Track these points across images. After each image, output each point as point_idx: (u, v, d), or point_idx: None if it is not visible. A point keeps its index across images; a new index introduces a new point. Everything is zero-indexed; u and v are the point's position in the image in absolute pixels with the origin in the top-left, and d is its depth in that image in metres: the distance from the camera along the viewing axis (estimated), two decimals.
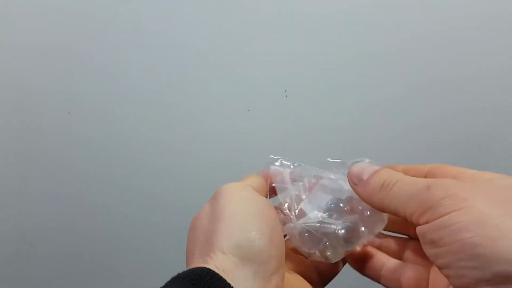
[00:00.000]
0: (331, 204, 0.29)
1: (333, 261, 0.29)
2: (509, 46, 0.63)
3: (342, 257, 0.29)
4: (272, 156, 0.33)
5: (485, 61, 0.63)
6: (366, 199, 0.26)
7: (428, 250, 0.22)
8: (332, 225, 0.28)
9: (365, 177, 0.26)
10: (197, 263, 0.24)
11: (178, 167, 0.70)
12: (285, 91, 0.66)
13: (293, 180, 0.31)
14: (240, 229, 0.24)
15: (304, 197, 0.30)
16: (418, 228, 0.22)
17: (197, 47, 0.65)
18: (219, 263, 0.23)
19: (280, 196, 0.30)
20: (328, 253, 0.28)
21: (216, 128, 0.68)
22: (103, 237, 0.74)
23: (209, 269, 0.22)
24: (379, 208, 0.25)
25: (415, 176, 0.25)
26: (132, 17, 0.64)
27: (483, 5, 0.61)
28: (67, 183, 0.72)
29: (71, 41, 0.65)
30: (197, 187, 0.71)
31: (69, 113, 0.69)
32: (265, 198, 0.27)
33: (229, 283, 0.22)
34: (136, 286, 0.77)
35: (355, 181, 0.27)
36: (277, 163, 0.32)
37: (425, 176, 0.27)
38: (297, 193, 0.30)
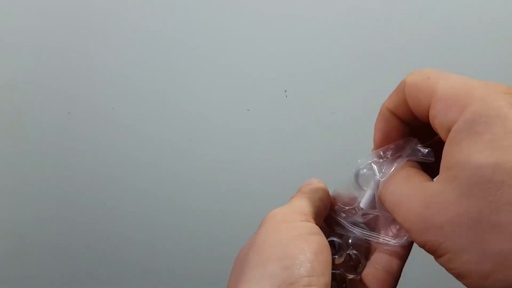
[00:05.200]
0: None
1: None
2: (509, 46, 0.63)
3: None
4: (360, 161, 0.29)
5: (485, 61, 0.63)
6: None
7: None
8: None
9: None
10: None
11: (178, 167, 0.70)
12: (285, 91, 0.66)
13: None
14: (274, 259, 0.23)
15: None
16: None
17: (197, 47, 0.65)
18: None
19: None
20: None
21: (216, 128, 0.68)
22: (103, 237, 0.74)
23: None
24: None
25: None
26: (132, 17, 0.64)
27: (482, 5, 0.61)
28: (67, 183, 0.72)
29: (71, 41, 0.65)
30: (197, 187, 0.71)
31: (69, 113, 0.69)
32: (311, 224, 0.26)
33: None
34: (136, 286, 0.77)
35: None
36: (365, 170, 0.29)
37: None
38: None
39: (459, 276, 0.20)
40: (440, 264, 0.21)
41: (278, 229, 0.24)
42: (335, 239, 0.29)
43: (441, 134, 0.21)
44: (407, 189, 0.23)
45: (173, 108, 0.67)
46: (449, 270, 0.21)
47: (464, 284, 0.20)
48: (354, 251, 0.30)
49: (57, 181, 0.72)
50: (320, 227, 0.29)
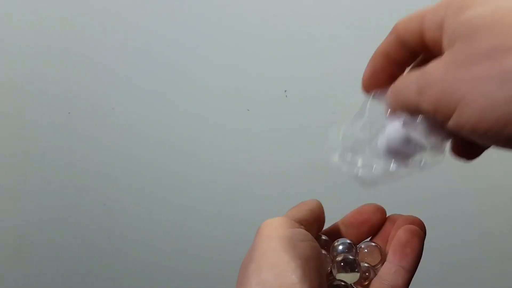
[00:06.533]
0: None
1: None
2: None
3: None
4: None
5: None
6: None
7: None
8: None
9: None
10: None
11: (178, 167, 0.70)
12: (285, 91, 0.66)
13: None
14: (267, 266, 0.23)
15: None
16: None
17: (197, 47, 0.65)
18: None
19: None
20: None
21: (216, 128, 0.68)
22: (103, 237, 0.74)
23: None
24: None
25: None
26: (132, 17, 0.64)
27: None
28: (67, 183, 0.72)
29: (71, 41, 0.65)
30: (197, 187, 0.71)
31: (69, 113, 0.69)
32: (302, 230, 0.26)
33: None
34: (136, 286, 0.77)
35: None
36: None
37: None
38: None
39: (473, 130, 0.19)
40: (455, 124, 0.19)
41: (271, 237, 0.25)
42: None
43: (435, 34, 0.21)
44: (413, 74, 0.22)
45: (173, 108, 0.67)
46: (463, 126, 0.19)
47: (480, 139, 0.19)
48: (366, 264, 0.30)
49: (57, 181, 0.72)
50: (319, 239, 0.29)
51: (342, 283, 0.28)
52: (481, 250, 0.73)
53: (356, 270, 0.28)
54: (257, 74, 0.65)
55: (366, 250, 0.31)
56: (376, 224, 0.32)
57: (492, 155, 0.71)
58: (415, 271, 0.29)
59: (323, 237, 0.30)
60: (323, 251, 0.29)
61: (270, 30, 0.64)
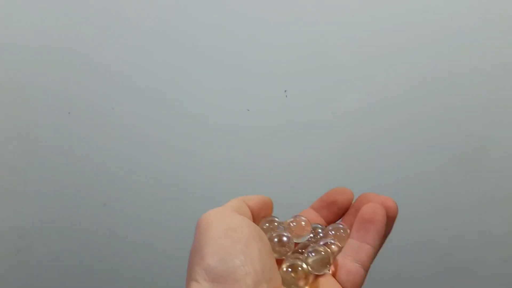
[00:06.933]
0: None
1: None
2: (508, 46, 0.63)
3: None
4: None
5: (485, 61, 0.63)
6: None
7: None
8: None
9: None
10: None
11: (178, 167, 0.70)
12: (285, 91, 0.66)
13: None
14: (210, 254, 0.24)
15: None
16: None
17: (197, 47, 0.65)
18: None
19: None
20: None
21: (216, 128, 0.68)
22: (103, 237, 0.74)
23: None
24: None
25: None
26: (132, 17, 0.64)
27: (483, 5, 0.61)
28: (67, 183, 0.72)
29: (71, 41, 0.65)
30: (197, 187, 0.71)
31: (69, 113, 0.69)
32: (240, 216, 0.27)
33: None
34: (136, 286, 0.77)
35: None
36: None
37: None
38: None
39: None
40: None
41: (211, 226, 0.26)
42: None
43: None
44: None
45: (173, 108, 0.67)
46: None
47: None
48: (332, 240, 0.30)
49: (57, 181, 0.72)
50: (272, 222, 0.30)
51: (298, 262, 0.28)
52: (481, 250, 0.73)
53: (328, 267, 0.29)
54: (257, 74, 0.65)
55: (333, 232, 0.31)
56: (344, 205, 0.33)
57: (493, 155, 0.71)
58: (379, 249, 0.30)
59: (276, 218, 0.31)
60: (285, 235, 0.29)
61: (270, 30, 0.64)
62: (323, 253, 0.29)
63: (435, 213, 0.71)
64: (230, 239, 0.25)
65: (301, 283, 0.28)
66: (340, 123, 0.66)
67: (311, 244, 0.30)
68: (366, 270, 0.29)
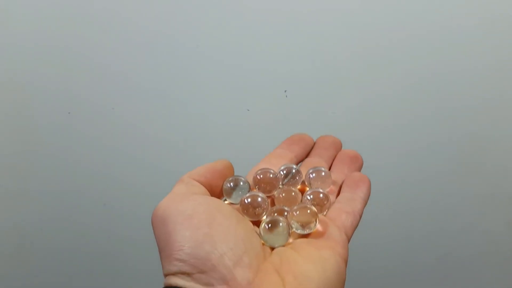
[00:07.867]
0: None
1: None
2: (508, 46, 0.63)
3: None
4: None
5: (485, 61, 0.63)
6: None
7: None
8: None
9: None
10: None
11: (178, 167, 0.70)
12: (285, 91, 0.66)
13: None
14: (176, 250, 0.23)
15: None
16: None
17: (197, 47, 0.65)
18: (174, 281, 0.23)
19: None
20: None
21: (216, 128, 0.68)
22: (103, 237, 0.74)
23: None
24: None
25: None
26: (132, 17, 0.64)
27: (483, 5, 0.61)
28: (67, 183, 0.72)
29: (71, 41, 0.65)
30: None
31: (69, 113, 0.69)
32: (193, 197, 0.26)
33: None
34: (136, 286, 0.77)
35: None
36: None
37: None
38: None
39: None
40: None
41: (167, 220, 0.25)
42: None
43: None
44: None
45: (173, 108, 0.67)
46: None
47: None
48: (320, 189, 0.30)
49: (57, 181, 0.72)
50: (237, 180, 0.30)
51: (280, 218, 0.27)
52: (481, 250, 0.73)
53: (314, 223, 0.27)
54: (257, 74, 0.65)
55: (314, 175, 0.32)
56: (309, 142, 0.38)
57: (492, 155, 0.71)
58: (365, 203, 0.31)
59: (242, 177, 0.31)
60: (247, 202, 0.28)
61: (270, 30, 0.64)
62: (309, 211, 0.26)
63: (435, 213, 0.71)
64: (190, 227, 0.24)
65: (282, 239, 0.26)
66: (340, 123, 0.66)
67: (297, 204, 0.29)
68: (358, 220, 0.29)
